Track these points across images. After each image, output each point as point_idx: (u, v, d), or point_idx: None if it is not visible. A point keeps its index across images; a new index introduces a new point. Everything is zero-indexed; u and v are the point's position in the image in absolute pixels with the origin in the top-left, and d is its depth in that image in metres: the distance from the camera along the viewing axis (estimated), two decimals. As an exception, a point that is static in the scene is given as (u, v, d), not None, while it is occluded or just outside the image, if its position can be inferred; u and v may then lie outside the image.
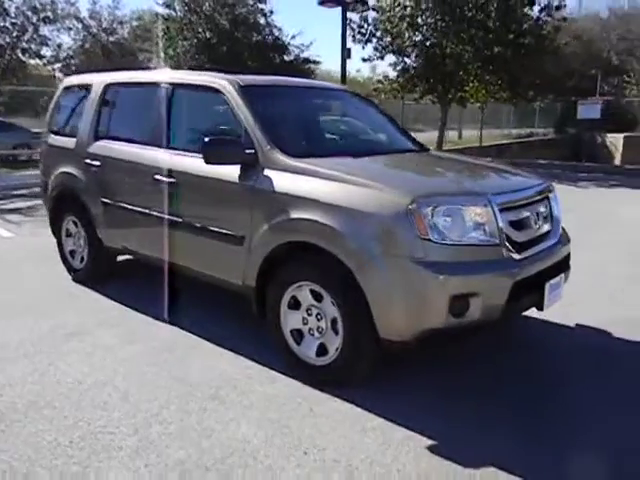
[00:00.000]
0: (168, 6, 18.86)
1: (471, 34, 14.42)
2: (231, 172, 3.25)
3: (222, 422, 2.65)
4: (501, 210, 2.76)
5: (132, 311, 4.07)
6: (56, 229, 4.86)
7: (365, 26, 15.57)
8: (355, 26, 15.50)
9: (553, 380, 3.13)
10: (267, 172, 3.11)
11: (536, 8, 14.43)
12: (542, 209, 3.14)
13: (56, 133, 4.85)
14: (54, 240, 4.92)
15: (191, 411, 2.74)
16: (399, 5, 14.65)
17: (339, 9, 15.35)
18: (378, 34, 15.57)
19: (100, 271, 4.63)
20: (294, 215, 2.92)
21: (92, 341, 3.57)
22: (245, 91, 3.44)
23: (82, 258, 4.69)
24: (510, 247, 2.76)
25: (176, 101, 3.76)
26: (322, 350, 2.97)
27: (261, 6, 20.04)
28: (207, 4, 18.74)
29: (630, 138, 20.77)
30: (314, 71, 21.38)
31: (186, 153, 3.59)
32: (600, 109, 16.51)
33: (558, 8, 14.29)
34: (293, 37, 19.97)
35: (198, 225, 3.48)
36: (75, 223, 4.66)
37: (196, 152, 3.51)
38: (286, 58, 20.20)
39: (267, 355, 3.30)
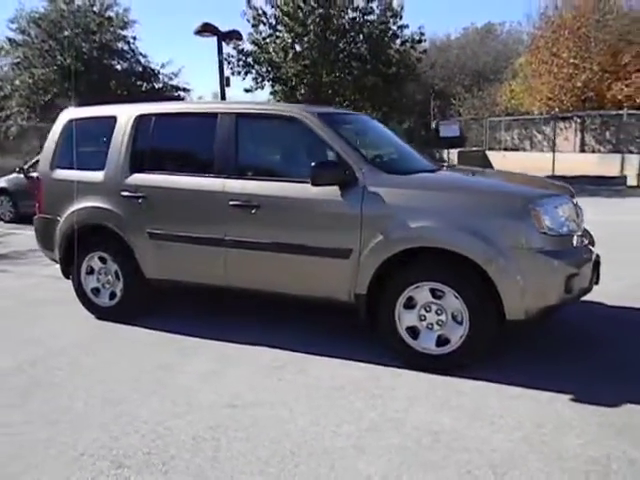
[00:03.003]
0: (23, 31, 17.42)
1: (345, 64, 15.76)
2: (331, 191, 3.54)
3: (400, 411, 2.96)
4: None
5: (199, 339, 4.05)
6: (72, 268, 4.56)
7: (243, 58, 16.10)
8: (234, 60, 15.95)
9: (604, 339, 3.93)
10: (373, 189, 3.48)
11: (399, 40, 16.28)
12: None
13: (64, 167, 4.58)
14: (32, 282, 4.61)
15: (362, 408, 2.99)
16: (279, 37, 15.47)
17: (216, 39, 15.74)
18: (257, 66, 16.21)
19: (137, 305, 4.48)
20: (415, 224, 3.34)
21: (191, 369, 3.55)
22: (324, 119, 3.77)
23: (112, 294, 4.48)
24: (582, 235, 3.51)
25: (246, 131, 3.92)
26: (442, 340, 3.41)
27: (124, 33, 19.49)
28: (68, 30, 17.67)
29: (462, 153, 24.40)
30: (184, 99, 21.19)
31: (270, 178, 3.79)
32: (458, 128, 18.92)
33: (419, 42, 16.28)
34: (163, 65, 19.74)
35: (293, 244, 3.68)
36: (102, 259, 4.45)
37: (284, 177, 3.77)
38: (156, 86, 19.85)
39: (374, 356, 3.62)
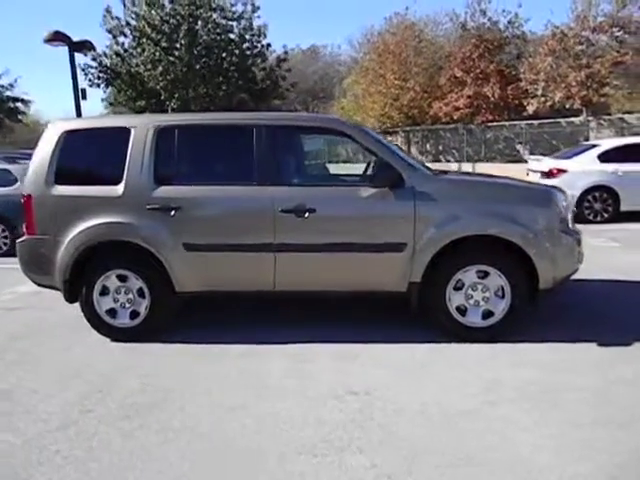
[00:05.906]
0: None
1: (211, 79, 15.85)
2: (383, 193, 3.94)
3: (491, 371, 3.50)
4: (565, 198, 4.40)
5: (245, 345, 4.09)
6: (84, 290, 4.21)
7: (104, 70, 15.23)
8: (94, 70, 15.01)
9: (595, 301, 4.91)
10: (421, 188, 3.95)
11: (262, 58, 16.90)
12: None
13: (65, 183, 4.22)
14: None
15: (461, 376, 3.46)
16: (145, 50, 14.94)
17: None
18: (118, 80, 15.46)
19: (162, 322, 4.32)
20: (464, 216, 3.90)
21: (271, 370, 3.65)
22: (364, 131, 4.19)
23: (133, 313, 4.25)
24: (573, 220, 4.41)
25: (291, 141, 4.13)
26: (486, 314, 4.02)
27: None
28: None
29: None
30: (23, 112, 19.00)
31: (321, 184, 4.06)
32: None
33: (284, 60, 17.04)
34: (-2, 76, 17.57)
35: (349, 243, 3.97)
36: (122, 277, 4.21)
37: (332, 183, 4.07)
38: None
39: (429, 336, 4.10)
